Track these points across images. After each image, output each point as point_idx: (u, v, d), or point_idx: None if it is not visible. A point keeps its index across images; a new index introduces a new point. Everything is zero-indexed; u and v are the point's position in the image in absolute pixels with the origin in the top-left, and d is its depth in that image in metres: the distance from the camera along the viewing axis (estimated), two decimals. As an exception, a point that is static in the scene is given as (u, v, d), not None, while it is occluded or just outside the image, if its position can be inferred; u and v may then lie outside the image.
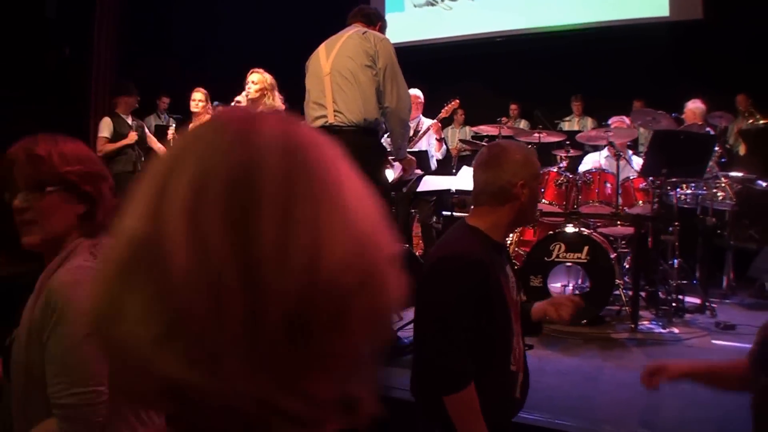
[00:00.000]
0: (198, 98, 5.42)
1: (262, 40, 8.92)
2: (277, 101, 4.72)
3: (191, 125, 5.66)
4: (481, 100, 8.18)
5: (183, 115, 6.29)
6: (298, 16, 9.01)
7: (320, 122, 3.26)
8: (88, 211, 1.41)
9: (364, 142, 3.23)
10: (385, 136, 4.18)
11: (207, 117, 5.56)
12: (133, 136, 5.67)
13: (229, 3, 9.04)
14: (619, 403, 2.97)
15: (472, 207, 1.92)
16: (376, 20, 3.55)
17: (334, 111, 3.23)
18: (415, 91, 6.49)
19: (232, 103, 4.77)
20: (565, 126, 7.66)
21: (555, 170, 4.78)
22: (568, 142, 4.95)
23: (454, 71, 8.40)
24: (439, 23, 9.09)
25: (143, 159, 5.72)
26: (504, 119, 8.63)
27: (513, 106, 8.89)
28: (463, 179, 4.01)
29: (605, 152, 5.26)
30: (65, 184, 1.37)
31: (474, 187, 1.85)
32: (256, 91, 4.60)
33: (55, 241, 1.39)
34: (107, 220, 1.44)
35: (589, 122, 8.26)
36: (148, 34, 8.52)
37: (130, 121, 5.79)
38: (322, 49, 3.41)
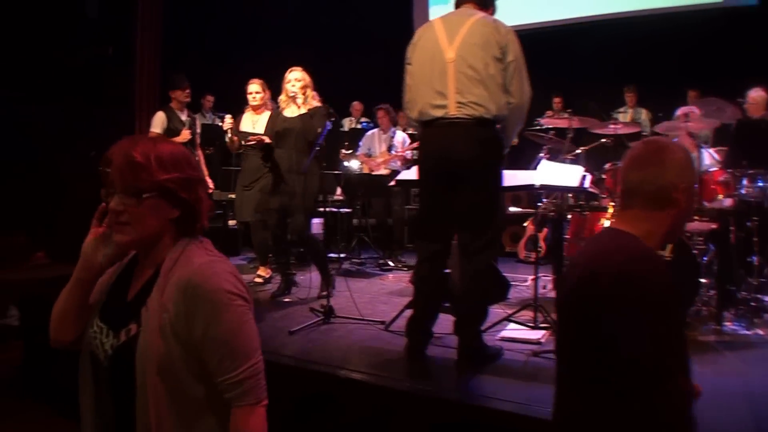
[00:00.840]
0: (255, 90, 5.33)
1: (298, 40, 8.86)
2: (316, 98, 4.62)
3: (252, 120, 5.43)
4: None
5: (228, 112, 6.13)
6: (332, 17, 8.93)
7: (438, 112, 3.04)
8: (182, 214, 1.46)
9: (487, 137, 3.04)
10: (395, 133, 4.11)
11: (267, 110, 5.42)
12: (185, 134, 5.53)
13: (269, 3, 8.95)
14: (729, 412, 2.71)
15: (616, 210, 1.69)
16: (490, 3, 3.28)
17: (458, 103, 2.99)
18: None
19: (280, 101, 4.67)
20: (620, 118, 7.36)
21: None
22: (644, 133, 4.68)
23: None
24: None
25: (195, 158, 5.55)
26: (549, 113, 8.43)
27: (556, 99, 8.62)
28: (546, 174, 3.76)
29: None
30: (162, 191, 1.41)
31: (623, 186, 1.61)
32: (300, 89, 4.53)
33: (145, 241, 1.45)
34: (203, 221, 1.51)
35: (644, 114, 7.97)
36: (190, 33, 8.45)
37: (184, 117, 5.66)
38: (439, 28, 3.12)
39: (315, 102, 4.62)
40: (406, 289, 5.13)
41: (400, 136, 6.91)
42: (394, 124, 7.04)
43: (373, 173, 6.67)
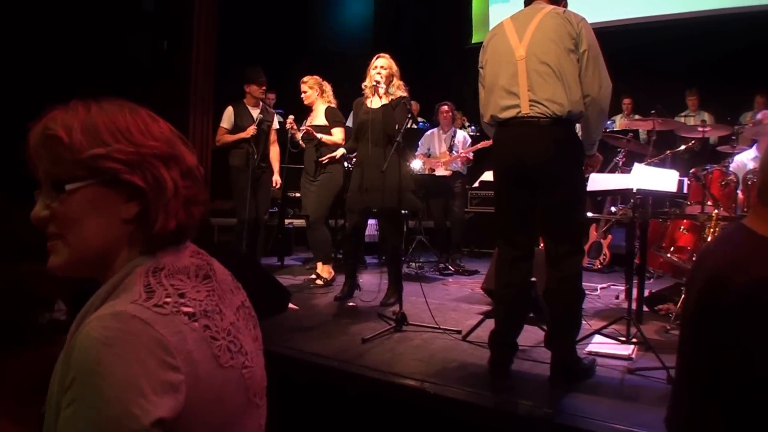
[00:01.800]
0: (302, 90, 5.32)
1: (356, 36, 8.71)
2: (401, 88, 4.39)
3: (309, 118, 5.35)
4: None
5: (284, 109, 5.99)
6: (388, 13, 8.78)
7: (511, 113, 2.85)
8: (142, 213, 0.95)
9: (564, 136, 2.83)
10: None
11: (325, 102, 5.27)
12: (250, 130, 5.40)
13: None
14: None
15: (753, 208, 1.44)
16: None
17: (530, 101, 2.79)
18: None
19: (376, 84, 4.40)
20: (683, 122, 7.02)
21: (719, 168, 4.23)
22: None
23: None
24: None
25: (256, 155, 5.41)
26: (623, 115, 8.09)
27: (626, 101, 8.27)
28: (643, 178, 3.48)
29: (753, 152, 4.69)
30: (98, 174, 0.92)
31: (761, 184, 1.36)
32: (385, 77, 4.31)
33: (94, 262, 0.96)
34: (179, 223, 0.97)
35: (706, 117, 7.56)
36: (246, 28, 8.35)
37: (255, 113, 5.52)
38: (509, 28, 2.96)
39: (400, 92, 4.39)
40: (472, 296, 4.88)
41: (461, 136, 6.66)
42: (462, 125, 6.80)
43: (434, 173, 6.43)
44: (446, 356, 3.15)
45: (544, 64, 2.79)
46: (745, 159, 4.77)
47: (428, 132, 6.73)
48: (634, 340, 3.42)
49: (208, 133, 7.71)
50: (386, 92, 4.33)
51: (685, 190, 3.61)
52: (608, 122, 7.77)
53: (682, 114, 7.75)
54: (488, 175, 3.91)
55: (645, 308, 4.21)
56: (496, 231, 3.10)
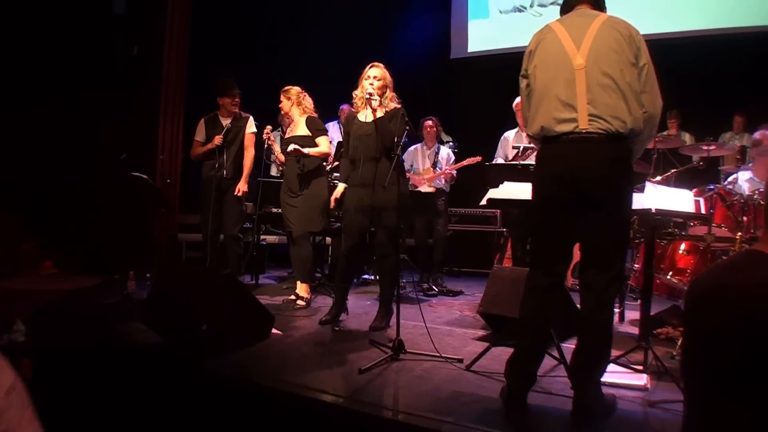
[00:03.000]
0: (282, 99, 5.10)
1: (336, 44, 8.47)
2: (395, 100, 4.14)
3: (288, 129, 5.11)
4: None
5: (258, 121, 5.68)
6: (370, 22, 8.56)
7: (566, 127, 2.57)
8: None
9: (621, 155, 2.58)
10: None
11: (305, 113, 4.99)
12: (216, 140, 5.12)
13: (304, 7, 8.57)
14: None
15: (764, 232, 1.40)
16: (603, 4, 2.86)
17: (590, 116, 2.53)
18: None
19: (368, 96, 4.10)
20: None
21: (723, 187, 4.10)
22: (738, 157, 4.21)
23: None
24: (527, 30, 8.39)
25: (223, 166, 5.09)
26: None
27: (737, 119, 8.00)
28: (657, 198, 3.28)
29: (747, 174, 4.60)
30: None
31: None
32: (379, 88, 4.08)
33: None
34: None
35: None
36: (219, 36, 8.02)
37: (226, 122, 5.22)
38: (561, 33, 2.68)
39: (393, 104, 4.12)
40: (464, 319, 4.62)
41: (445, 152, 6.44)
42: (440, 140, 6.57)
43: (417, 190, 6.18)
44: (453, 389, 2.86)
45: (607, 75, 2.54)
46: (741, 180, 4.65)
47: (411, 148, 6.48)
48: (640, 367, 3.22)
49: (179, 140, 7.36)
50: (380, 104, 4.07)
51: (703, 211, 3.43)
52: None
53: (726, 135, 7.56)
54: (496, 193, 3.63)
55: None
56: (530, 256, 2.83)
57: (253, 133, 5.27)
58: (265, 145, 5.17)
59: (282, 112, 5.13)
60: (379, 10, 8.71)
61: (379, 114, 4.02)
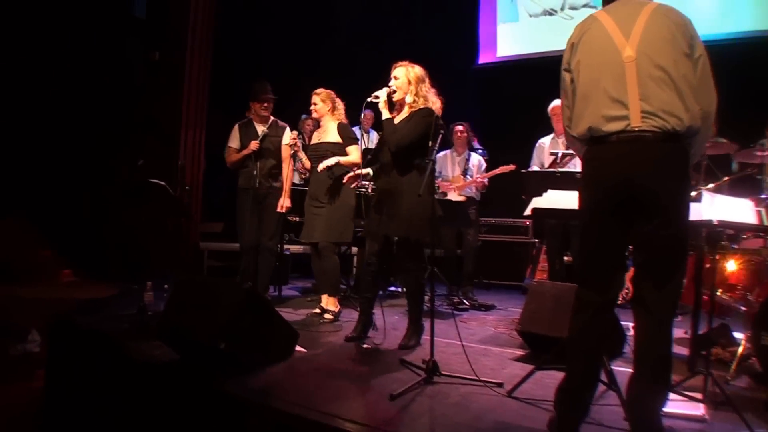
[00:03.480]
0: (313, 101, 4.83)
1: (360, 49, 8.27)
2: (429, 100, 3.86)
3: (314, 134, 4.91)
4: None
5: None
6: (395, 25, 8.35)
7: (617, 125, 2.32)
8: None
9: (679, 156, 2.32)
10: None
11: (336, 120, 4.76)
12: (251, 146, 4.93)
13: (329, 13, 8.37)
14: None
15: None
16: None
17: (643, 112, 2.28)
18: (558, 102, 5.67)
19: (370, 99, 3.87)
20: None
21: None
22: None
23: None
24: (558, 34, 8.13)
25: (257, 173, 4.89)
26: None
27: None
28: (724, 208, 2.99)
29: None
30: None
31: None
32: (398, 87, 3.85)
33: None
34: None
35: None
36: (242, 43, 7.87)
37: (261, 129, 5.05)
38: (608, 22, 2.44)
39: (427, 104, 3.83)
40: (498, 337, 4.34)
41: (476, 159, 6.18)
42: (470, 146, 6.30)
43: (447, 198, 5.91)
44: (495, 419, 2.59)
45: (660, 68, 2.30)
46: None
47: (440, 154, 6.22)
48: (698, 395, 2.91)
49: (201, 147, 7.21)
50: (401, 102, 3.84)
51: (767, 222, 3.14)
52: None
53: (760, 142, 7.18)
54: (540, 203, 3.35)
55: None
56: (578, 271, 2.56)
57: (291, 145, 5.05)
58: (291, 152, 4.95)
59: (314, 116, 4.89)
60: (404, 13, 8.49)
61: (402, 115, 3.80)
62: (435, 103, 3.89)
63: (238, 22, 7.93)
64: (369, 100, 3.84)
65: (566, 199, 3.33)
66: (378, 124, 4.19)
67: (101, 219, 6.63)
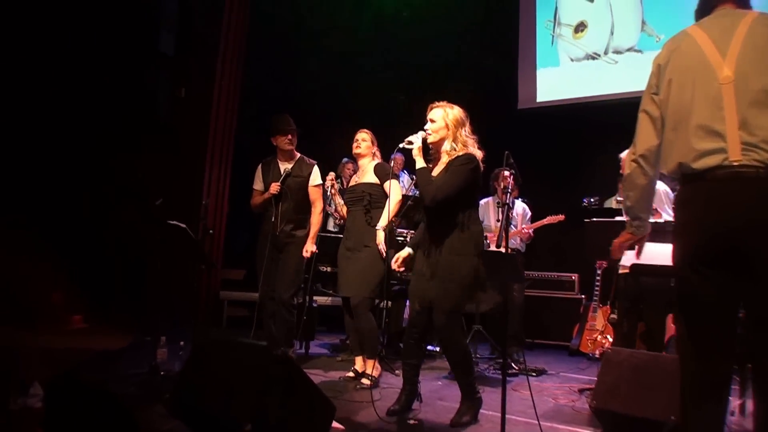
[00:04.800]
0: (362, 137, 4.38)
1: (393, 94, 7.96)
2: (468, 145, 3.38)
3: (357, 174, 4.48)
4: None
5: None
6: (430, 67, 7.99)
7: (712, 160, 1.91)
8: None
9: None
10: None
11: (372, 161, 4.33)
12: (272, 189, 4.46)
13: (361, 53, 8.09)
14: None
15: None
16: (748, 2, 2.17)
17: (743, 144, 1.87)
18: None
19: (403, 145, 3.45)
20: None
21: None
22: None
23: (619, 134, 6.93)
24: (601, 79, 7.76)
25: (277, 218, 4.45)
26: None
27: None
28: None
29: None
30: None
31: None
32: (434, 131, 3.38)
33: None
34: None
35: None
36: (272, 79, 7.56)
37: (285, 167, 4.58)
38: (701, 38, 2.05)
39: (467, 150, 3.34)
40: (560, 410, 3.75)
41: (521, 207, 5.70)
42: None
43: (488, 250, 5.39)
44: None
45: (763, 90, 1.88)
46: None
47: (482, 201, 5.75)
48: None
49: (225, 189, 6.85)
50: (446, 151, 3.36)
51: None
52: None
53: None
54: (644, 257, 2.82)
55: None
56: (680, 339, 2.05)
57: (319, 185, 4.59)
58: (328, 195, 4.51)
59: (356, 151, 4.40)
60: (441, 55, 8.16)
61: (419, 164, 3.35)
62: (476, 153, 3.43)
63: (269, 58, 7.63)
64: (402, 145, 3.42)
65: (658, 253, 2.83)
66: (411, 166, 3.78)
67: (118, 261, 6.22)
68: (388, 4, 8.11)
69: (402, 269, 3.60)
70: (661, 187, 4.20)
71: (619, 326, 4.45)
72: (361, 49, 8.05)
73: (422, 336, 3.41)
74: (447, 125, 3.35)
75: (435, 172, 3.38)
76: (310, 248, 4.46)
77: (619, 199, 4.68)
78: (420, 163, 3.35)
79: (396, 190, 4.19)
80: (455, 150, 3.32)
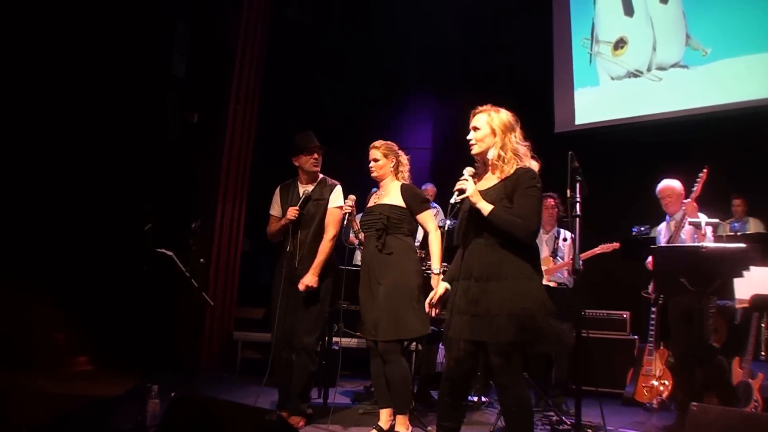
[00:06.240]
0: (373, 157, 3.83)
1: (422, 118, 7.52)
2: (521, 151, 2.84)
3: (377, 194, 3.90)
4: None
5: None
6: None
7: None
8: None
9: None
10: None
11: (396, 181, 3.76)
12: (289, 214, 3.88)
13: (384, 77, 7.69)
14: None
15: None
16: None
17: None
18: (671, 183, 4.70)
19: (455, 199, 2.85)
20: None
21: None
22: None
23: (663, 157, 6.33)
24: (644, 98, 7.21)
25: (294, 248, 3.88)
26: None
27: (736, 201, 6.55)
28: None
29: None
30: None
31: None
32: (478, 140, 2.87)
33: None
34: None
35: (751, 224, 6.04)
36: (290, 107, 7.16)
37: (304, 189, 4.01)
38: None
39: (520, 162, 2.80)
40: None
41: (568, 237, 5.10)
42: (559, 222, 5.22)
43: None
44: None
45: None
46: None
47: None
48: None
49: (240, 221, 6.35)
50: (492, 162, 2.80)
51: None
52: (738, 224, 6.13)
53: (727, 221, 6.12)
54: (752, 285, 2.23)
55: None
56: None
57: (338, 207, 3.96)
58: (344, 222, 3.95)
59: (374, 175, 3.81)
60: (470, 75, 7.73)
61: (490, 181, 2.77)
62: (531, 165, 2.87)
63: (289, 79, 7.24)
64: (454, 200, 2.79)
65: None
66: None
67: (125, 296, 5.76)
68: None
69: (438, 311, 2.98)
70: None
71: (681, 373, 3.81)
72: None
73: (462, 391, 2.80)
74: (493, 131, 2.81)
75: (483, 186, 2.82)
76: (308, 281, 3.77)
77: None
78: (485, 207, 2.72)
79: (431, 221, 3.66)
80: (503, 160, 2.78)
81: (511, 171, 2.76)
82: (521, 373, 2.73)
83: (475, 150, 2.84)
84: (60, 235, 5.49)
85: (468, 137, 2.86)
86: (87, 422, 3.75)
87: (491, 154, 2.80)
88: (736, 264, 3.22)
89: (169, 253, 3.09)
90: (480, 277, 2.69)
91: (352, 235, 4.22)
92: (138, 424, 3.19)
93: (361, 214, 3.95)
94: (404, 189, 3.71)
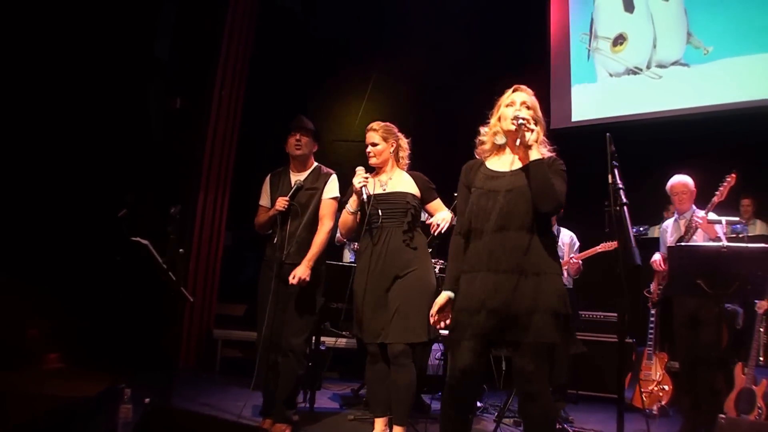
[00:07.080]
0: (371, 141, 3.45)
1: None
2: (546, 143, 2.62)
3: (378, 178, 3.57)
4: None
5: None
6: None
7: None
8: None
9: None
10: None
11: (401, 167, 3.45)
12: (278, 204, 3.55)
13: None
14: None
15: None
16: None
17: None
18: (685, 179, 4.48)
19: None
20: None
21: None
22: None
23: (662, 156, 6.16)
24: (644, 95, 7.04)
25: (282, 241, 3.56)
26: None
27: (745, 201, 6.40)
28: None
29: None
30: None
31: None
32: (528, 120, 2.51)
33: None
34: None
35: (759, 226, 5.93)
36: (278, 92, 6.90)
37: (296, 178, 3.67)
38: None
39: (543, 148, 2.55)
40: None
41: (567, 236, 4.87)
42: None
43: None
44: None
45: None
46: None
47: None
48: None
49: (222, 214, 6.05)
50: (520, 141, 2.51)
51: None
52: (739, 226, 5.96)
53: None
54: None
55: None
56: None
57: (334, 198, 3.62)
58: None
59: (372, 162, 3.41)
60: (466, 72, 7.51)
61: (535, 155, 2.47)
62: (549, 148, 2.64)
63: (277, 67, 6.97)
64: (520, 122, 2.45)
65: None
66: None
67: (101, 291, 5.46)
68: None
69: (442, 323, 2.67)
70: None
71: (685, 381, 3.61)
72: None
73: (471, 399, 2.53)
74: (536, 118, 2.57)
75: (505, 166, 2.57)
76: (299, 273, 3.41)
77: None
78: (536, 153, 2.46)
79: (445, 210, 3.34)
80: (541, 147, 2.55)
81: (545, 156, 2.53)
82: (547, 384, 2.46)
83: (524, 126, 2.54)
84: (26, 224, 5.16)
85: (519, 114, 2.54)
86: (55, 426, 3.45)
87: (530, 136, 2.50)
88: (759, 266, 3.02)
89: (145, 242, 2.78)
90: (511, 269, 2.38)
91: (338, 235, 3.91)
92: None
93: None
94: (417, 177, 3.38)
